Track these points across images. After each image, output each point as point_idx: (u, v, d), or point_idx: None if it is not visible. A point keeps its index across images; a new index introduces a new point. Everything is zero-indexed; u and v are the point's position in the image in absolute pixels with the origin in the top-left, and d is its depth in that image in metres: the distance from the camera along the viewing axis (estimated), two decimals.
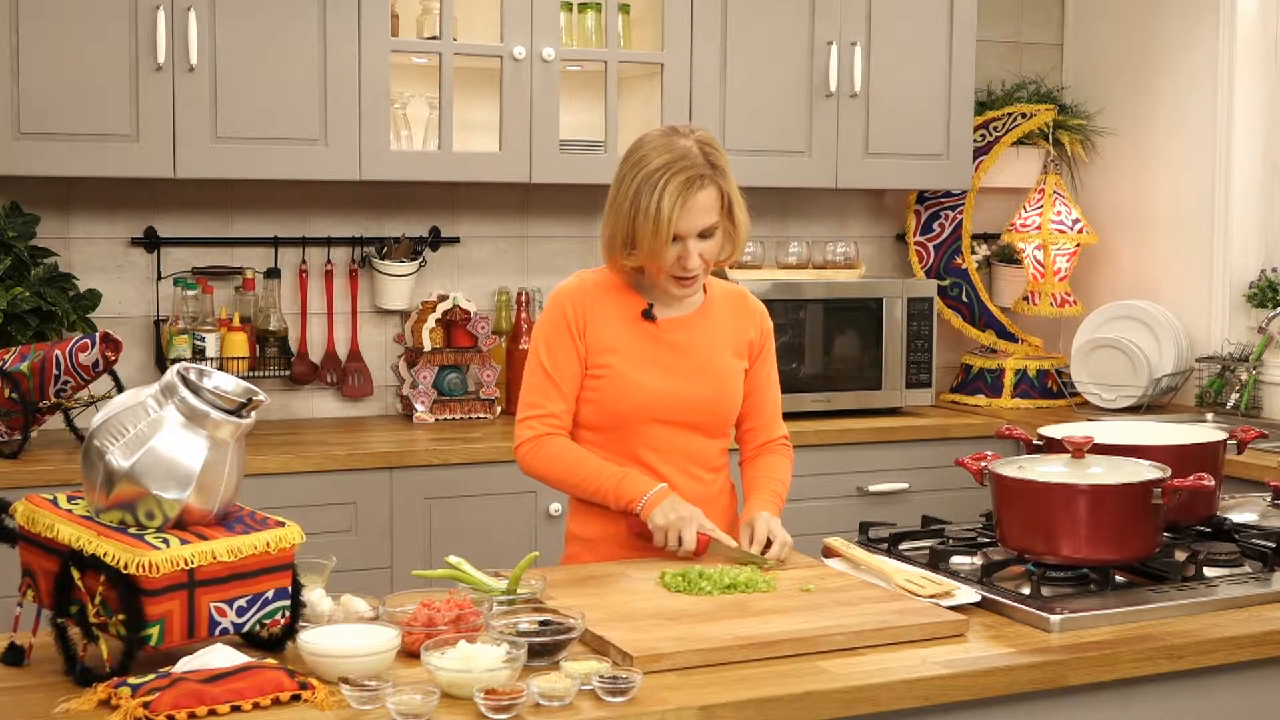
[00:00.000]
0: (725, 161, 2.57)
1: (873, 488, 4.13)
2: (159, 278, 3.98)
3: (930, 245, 4.77)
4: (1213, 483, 2.37)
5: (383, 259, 4.12)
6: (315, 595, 2.10)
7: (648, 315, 2.62)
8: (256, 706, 1.77)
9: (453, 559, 2.28)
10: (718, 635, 2.04)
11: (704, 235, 2.53)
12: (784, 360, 4.19)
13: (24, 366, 3.46)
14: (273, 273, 4.07)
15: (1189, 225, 4.62)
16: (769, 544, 2.51)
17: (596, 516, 2.62)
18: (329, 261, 4.15)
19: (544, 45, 3.95)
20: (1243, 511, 2.75)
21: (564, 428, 2.62)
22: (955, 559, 2.49)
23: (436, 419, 4.08)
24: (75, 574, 1.89)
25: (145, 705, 1.73)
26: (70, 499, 2.01)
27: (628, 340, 2.61)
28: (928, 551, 2.53)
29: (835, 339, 4.29)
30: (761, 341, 2.72)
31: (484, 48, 3.97)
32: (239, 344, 3.92)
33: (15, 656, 1.96)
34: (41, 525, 1.94)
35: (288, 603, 1.98)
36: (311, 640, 1.91)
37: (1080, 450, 2.40)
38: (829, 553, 2.56)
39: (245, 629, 1.94)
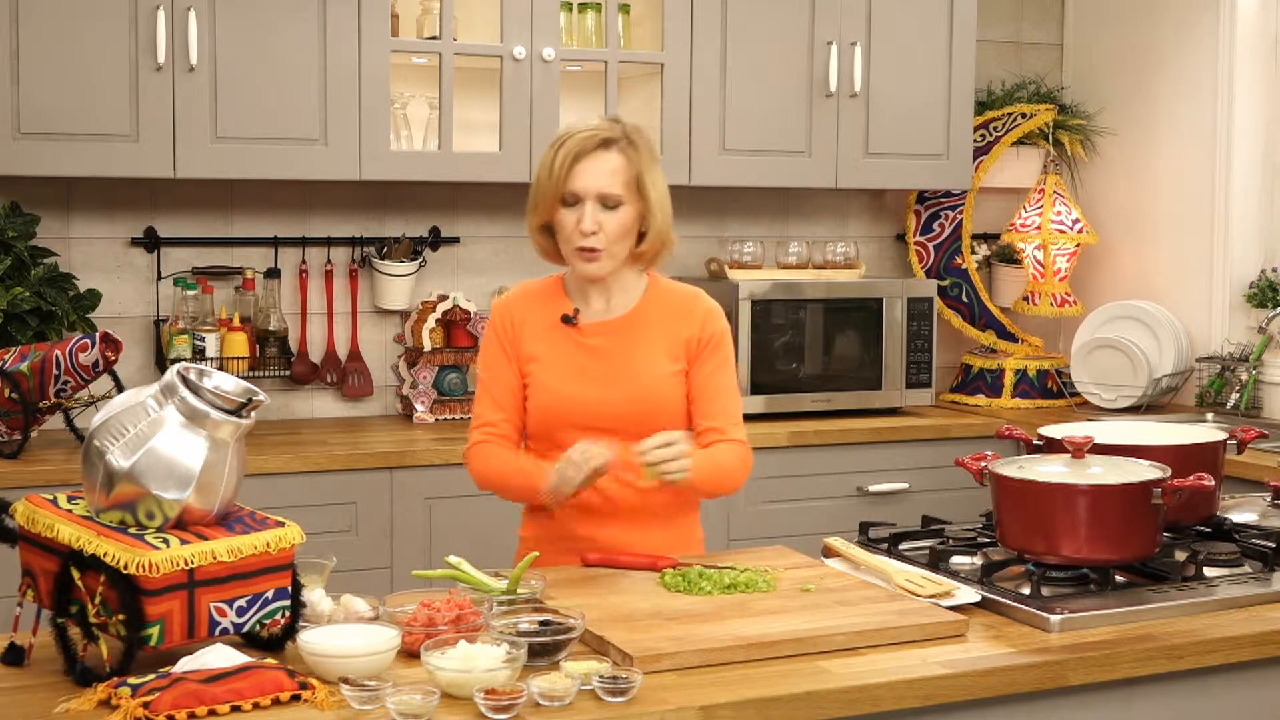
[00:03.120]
0: (648, 149, 2.53)
1: (873, 488, 4.13)
2: (159, 278, 3.98)
3: (930, 245, 4.77)
4: (1213, 483, 2.37)
5: (383, 259, 4.12)
6: (315, 595, 2.10)
7: (567, 320, 2.58)
8: (256, 706, 1.77)
9: (453, 559, 2.28)
10: (718, 635, 2.04)
11: (608, 205, 2.50)
12: (784, 360, 4.21)
13: (24, 366, 3.46)
14: (273, 273, 4.07)
15: (1189, 225, 4.62)
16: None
17: (541, 519, 2.62)
18: (329, 261, 4.15)
19: (544, 45, 3.95)
20: (1243, 511, 2.75)
21: (501, 435, 2.61)
22: (955, 559, 2.49)
23: (436, 419, 4.08)
24: (75, 574, 1.89)
25: (145, 705, 1.73)
26: (70, 499, 2.01)
27: (549, 347, 2.58)
28: (928, 551, 2.53)
29: (835, 339, 4.29)
30: (704, 341, 2.59)
31: (484, 48, 3.97)
32: (239, 344, 3.92)
33: (15, 656, 1.96)
34: (41, 525, 1.94)
35: (288, 603, 1.98)
36: (311, 640, 1.91)
37: (1080, 450, 2.40)
38: (829, 553, 2.56)
39: (245, 629, 1.94)
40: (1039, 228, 4.61)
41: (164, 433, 1.92)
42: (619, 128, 2.53)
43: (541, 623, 2.03)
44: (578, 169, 2.49)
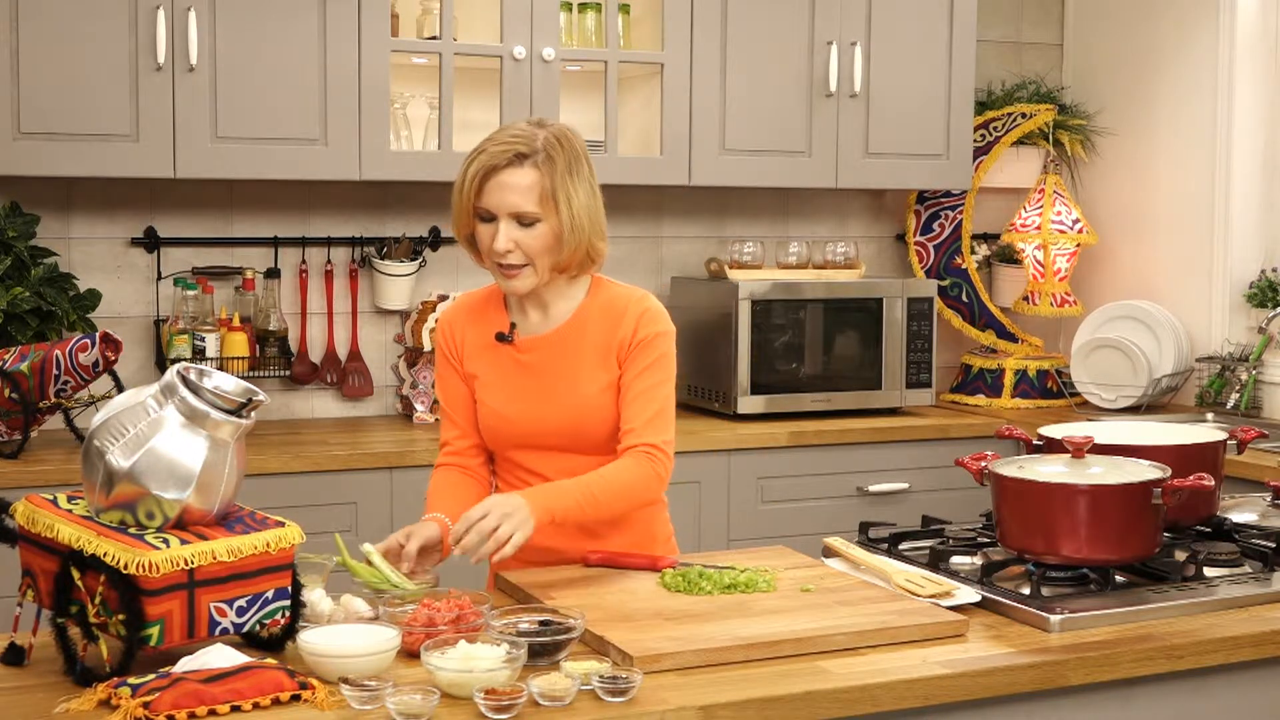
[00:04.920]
0: (570, 160, 2.39)
1: (873, 488, 4.13)
2: (159, 278, 3.98)
3: (930, 245, 4.77)
4: (1213, 483, 2.37)
5: (383, 259, 4.13)
6: (315, 595, 2.10)
7: (502, 338, 2.52)
8: (256, 706, 1.77)
9: (368, 548, 2.28)
10: (718, 635, 2.04)
11: (523, 222, 2.38)
12: (784, 360, 4.21)
13: (24, 366, 3.46)
14: (273, 273, 4.07)
15: (1189, 225, 4.62)
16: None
17: None
18: (329, 261, 4.15)
19: (544, 45, 3.95)
20: (1243, 511, 2.75)
21: (456, 453, 2.59)
22: (955, 559, 2.49)
23: (436, 419, 4.08)
24: (75, 574, 1.89)
25: (145, 705, 1.73)
26: (70, 499, 2.01)
27: (487, 365, 2.54)
28: (928, 551, 2.53)
29: (835, 339, 4.29)
30: (634, 344, 2.48)
31: (484, 48, 3.97)
32: (239, 344, 3.92)
33: (15, 656, 1.96)
34: (41, 525, 1.94)
35: (288, 603, 1.98)
36: (311, 640, 1.91)
37: (1080, 450, 2.40)
38: (829, 553, 2.56)
39: (245, 629, 1.94)
40: (1039, 228, 4.61)
41: (164, 433, 1.92)
42: (538, 137, 2.38)
43: (541, 623, 2.03)
44: (489, 185, 2.37)
